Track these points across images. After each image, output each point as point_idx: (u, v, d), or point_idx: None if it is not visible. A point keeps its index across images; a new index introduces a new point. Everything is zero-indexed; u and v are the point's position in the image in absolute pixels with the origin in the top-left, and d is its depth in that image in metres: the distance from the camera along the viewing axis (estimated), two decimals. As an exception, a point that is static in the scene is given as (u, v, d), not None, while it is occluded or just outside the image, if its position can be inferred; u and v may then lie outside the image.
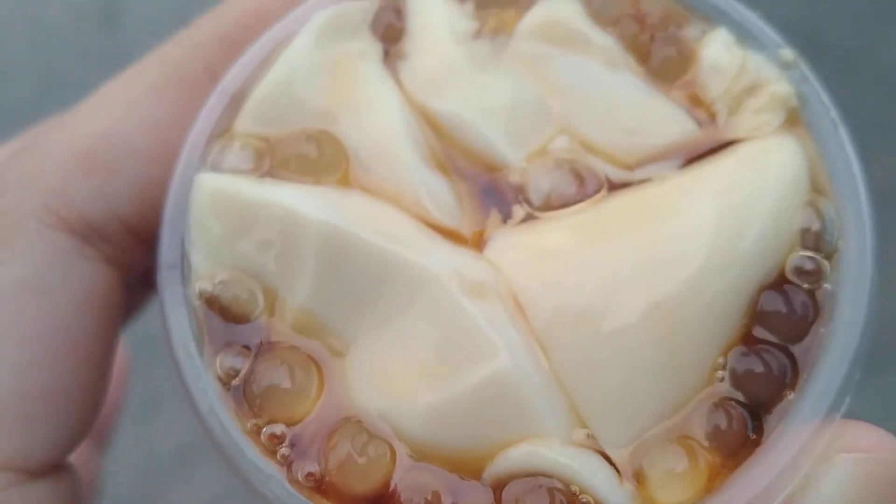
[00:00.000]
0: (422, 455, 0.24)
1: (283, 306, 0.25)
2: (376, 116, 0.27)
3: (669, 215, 0.25)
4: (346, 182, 0.26)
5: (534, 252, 0.25)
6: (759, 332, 0.24)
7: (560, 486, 0.23)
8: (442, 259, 0.25)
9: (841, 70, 1.30)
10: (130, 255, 0.28)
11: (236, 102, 0.27)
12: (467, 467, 0.23)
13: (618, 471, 0.23)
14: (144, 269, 0.28)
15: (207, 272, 0.25)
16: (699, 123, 0.27)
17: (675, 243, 0.24)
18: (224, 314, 0.25)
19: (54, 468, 0.26)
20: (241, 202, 0.25)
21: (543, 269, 0.25)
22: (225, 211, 0.25)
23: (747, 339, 0.24)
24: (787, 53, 0.27)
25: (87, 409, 0.27)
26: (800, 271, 0.24)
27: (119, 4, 1.43)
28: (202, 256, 0.25)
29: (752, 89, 0.27)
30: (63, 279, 0.26)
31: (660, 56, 0.27)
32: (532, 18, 0.28)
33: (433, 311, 0.24)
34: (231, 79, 0.27)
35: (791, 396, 0.23)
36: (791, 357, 0.24)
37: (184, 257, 0.26)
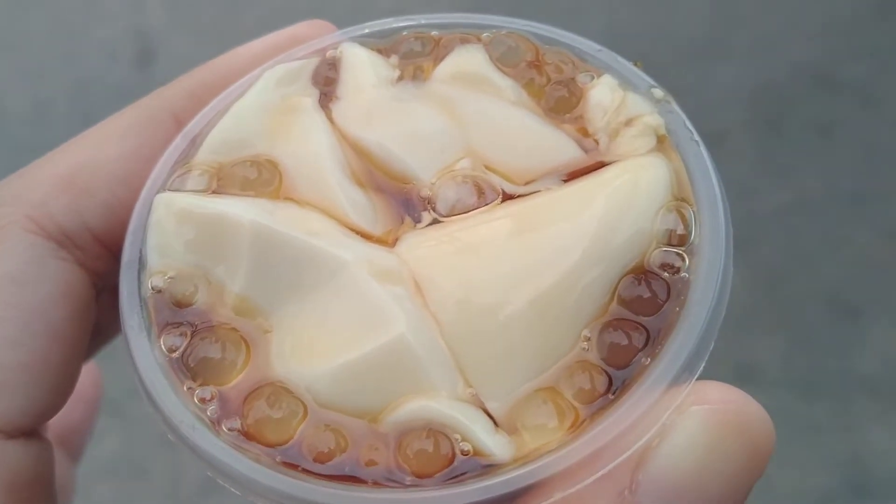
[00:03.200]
0: (331, 411, 0.28)
1: (223, 294, 0.30)
2: (307, 142, 0.32)
3: (556, 218, 0.30)
4: (278, 195, 0.31)
5: (434, 246, 0.30)
6: (619, 311, 0.28)
7: (445, 433, 0.27)
8: (355, 251, 0.30)
9: (858, 106, 1.31)
10: (99, 262, 0.33)
11: (196, 143, 0.33)
12: (369, 420, 0.28)
13: (496, 422, 0.27)
14: (110, 279, 0.33)
15: (160, 269, 0.30)
16: (585, 150, 0.32)
17: (557, 240, 0.29)
18: (172, 302, 0.30)
19: (27, 434, 0.31)
20: (189, 211, 0.31)
21: (441, 259, 0.29)
22: (176, 219, 0.31)
23: (610, 316, 0.28)
24: (658, 92, 0.32)
25: (57, 386, 0.31)
26: (661, 263, 0.29)
27: (154, 46, 1.48)
28: (156, 256, 0.30)
29: (629, 121, 0.32)
30: (40, 274, 0.31)
31: (554, 96, 0.33)
32: (445, 66, 0.34)
33: (345, 292, 0.29)
34: (194, 124, 0.34)
35: (647, 362, 0.27)
36: (646, 330, 0.28)
37: (141, 258, 0.31)
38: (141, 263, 0.31)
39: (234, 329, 0.29)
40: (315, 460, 0.27)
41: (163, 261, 0.30)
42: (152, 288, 0.30)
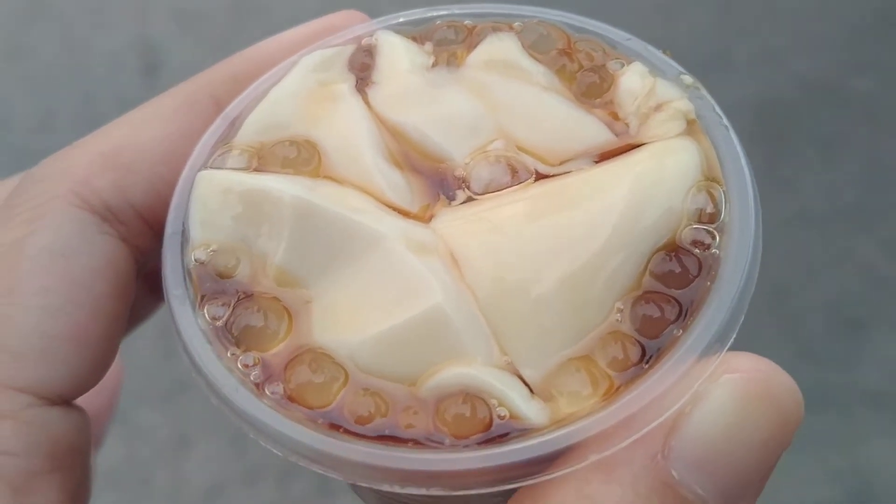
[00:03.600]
0: (371, 377, 0.29)
1: (264, 266, 0.31)
2: (345, 124, 0.33)
3: (585, 197, 0.30)
4: (318, 174, 0.32)
5: (468, 222, 0.31)
6: (652, 284, 0.29)
7: (483, 398, 0.28)
8: (392, 225, 0.30)
9: (862, 120, 1.31)
10: (141, 238, 0.34)
11: (235, 125, 0.34)
12: (408, 385, 0.28)
13: (531, 389, 0.28)
14: (151, 256, 0.34)
15: (203, 242, 0.31)
16: (616, 133, 0.33)
17: (588, 217, 0.30)
18: (215, 274, 0.31)
19: (67, 403, 0.31)
20: (231, 187, 0.32)
21: (476, 233, 0.30)
22: (218, 193, 0.32)
23: (642, 289, 0.29)
24: (688, 79, 0.33)
25: (96, 360, 0.32)
26: (692, 240, 0.30)
27: (160, 57, 1.49)
28: (199, 229, 0.31)
29: (659, 106, 0.33)
30: (85, 247, 0.32)
31: (585, 81, 0.34)
32: (478, 53, 0.35)
33: (383, 264, 0.30)
34: (233, 107, 0.35)
35: (679, 333, 0.28)
36: (678, 303, 0.29)
37: (184, 231, 0.32)
38: (184, 237, 0.32)
39: (275, 299, 0.30)
40: (356, 422, 0.28)
41: (205, 234, 0.31)
42: (196, 260, 0.31)
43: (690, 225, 0.30)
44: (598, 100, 0.33)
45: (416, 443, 0.27)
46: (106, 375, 0.33)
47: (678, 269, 0.29)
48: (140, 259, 0.34)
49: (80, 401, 0.33)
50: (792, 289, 1.15)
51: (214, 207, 0.31)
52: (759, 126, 1.28)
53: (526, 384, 0.28)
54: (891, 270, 1.16)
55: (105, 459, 1.09)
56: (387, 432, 0.28)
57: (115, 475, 1.08)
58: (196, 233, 0.31)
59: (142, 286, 0.35)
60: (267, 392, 0.29)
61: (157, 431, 1.13)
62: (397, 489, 0.27)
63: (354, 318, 0.29)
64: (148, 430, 1.13)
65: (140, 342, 1.03)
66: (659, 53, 0.34)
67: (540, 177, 0.32)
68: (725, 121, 0.32)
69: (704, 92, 0.33)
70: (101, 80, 1.43)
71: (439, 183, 0.32)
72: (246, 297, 0.30)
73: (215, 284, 0.31)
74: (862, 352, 1.11)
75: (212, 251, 0.31)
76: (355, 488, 0.36)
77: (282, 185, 0.31)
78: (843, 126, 1.28)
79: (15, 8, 1.55)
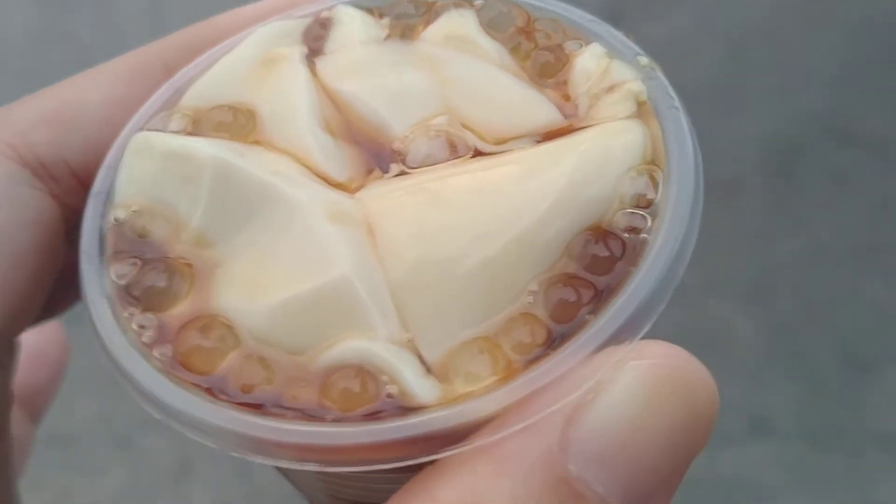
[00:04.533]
0: (265, 345, 0.28)
1: (180, 228, 0.30)
2: (285, 90, 0.32)
3: (520, 176, 0.29)
4: (251, 140, 0.32)
5: (394, 195, 0.30)
6: (571, 267, 0.28)
7: (373, 374, 0.26)
8: (313, 192, 0.29)
9: (872, 157, 1.31)
10: (73, 197, 0.33)
11: (180, 92, 0.34)
12: (303, 357, 0.27)
13: (428, 368, 0.27)
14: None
15: (124, 202, 0.31)
16: (565, 115, 0.31)
17: (518, 196, 0.28)
18: (131, 234, 0.30)
19: None
20: (160, 148, 0.31)
21: (399, 206, 0.29)
22: (146, 155, 0.31)
23: (560, 271, 0.28)
24: (644, 59, 0.32)
25: (13, 314, 0.32)
26: (623, 224, 0.28)
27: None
28: (123, 189, 0.31)
29: (611, 88, 0.31)
30: (14, 199, 0.32)
31: (539, 60, 0.33)
32: (434, 28, 0.34)
33: (296, 231, 0.29)
34: (181, 75, 0.34)
35: (590, 319, 0.26)
36: (596, 288, 0.27)
37: (110, 191, 0.31)
38: (109, 196, 0.31)
39: (184, 261, 0.29)
40: (241, 390, 0.27)
41: (128, 194, 0.31)
42: (115, 219, 0.30)
43: (623, 209, 0.28)
44: (552, 80, 0.32)
45: (300, 415, 0.26)
46: (47, 350, 0.33)
47: (603, 253, 0.28)
48: (71, 219, 0.33)
49: (21, 377, 0.32)
50: (801, 326, 1.15)
51: (140, 168, 0.31)
52: (770, 162, 1.28)
53: (424, 363, 0.27)
54: (902, 310, 1.15)
55: (109, 484, 1.09)
56: (269, 402, 0.27)
57: (118, 499, 1.08)
58: (119, 193, 0.31)
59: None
60: (155, 354, 0.28)
61: (159, 456, 1.12)
62: (270, 462, 0.26)
63: (258, 285, 0.28)
64: (151, 456, 1.13)
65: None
66: (621, 36, 0.33)
67: (478, 154, 0.31)
68: (677, 102, 0.30)
69: (659, 73, 0.32)
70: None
71: (376, 155, 0.31)
72: (156, 258, 0.30)
73: (130, 245, 0.30)
74: (873, 392, 1.10)
75: (133, 212, 0.30)
76: (304, 494, 0.35)
77: (206, 148, 0.30)
78: (855, 163, 1.27)
79: (30, 29, 1.57)
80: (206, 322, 0.28)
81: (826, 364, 1.12)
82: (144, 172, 0.31)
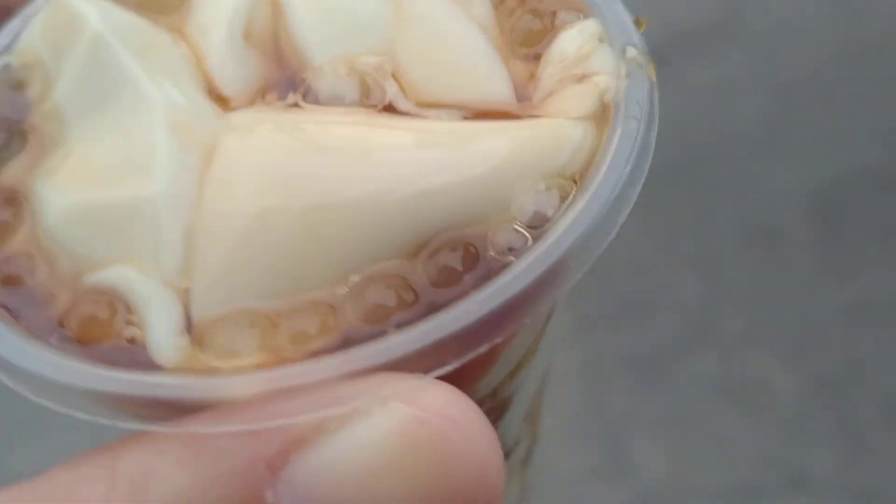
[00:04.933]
0: (51, 242, 0.25)
1: (46, 95, 0.28)
2: None
3: (409, 145, 0.25)
4: (173, 23, 0.28)
5: (263, 126, 0.26)
6: (411, 269, 0.23)
7: (124, 311, 0.23)
8: (174, 95, 0.26)
9: (878, 192, 1.29)
10: None
11: None
12: (74, 270, 0.25)
13: (190, 327, 0.23)
14: None
15: (18, 52, 0.29)
16: (518, 97, 0.26)
17: (391, 169, 0.24)
18: (12, 82, 0.28)
19: None
20: (68, 7, 0.28)
21: (259, 141, 0.25)
22: (55, 12, 0.28)
23: (395, 271, 0.23)
24: (632, 51, 0.26)
25: None
26: (499, 239, 0.23)
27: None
28: (22, 41, 0.29)
29: (581, 77, 0.26)
30: None
31: (520, 26, 0.28)
32: None
33: (133, 132, 0.25)
34: None
35: (391, 332, 0.22)
36: (421, 302, 0.23)
37: (11, 44, 0.29)
38: (9, 49, 0.29)
39: (31, 128, 0.27)
40: (2, 281, 0.25)
41: (23, 47, 0.29)
42: (2, 65, 0.29)
43: (510, 222, 0.23)
44: (527, 50, 0.27)
45: (40, 335, 0.23)
46: None
47: (454, 265, 0.23)
48: None
49: None
50: (846, 382, 1.12)
51: (42, 23, 0.29)
52: (815, 213, 1.26)
53: (189, 319, 0.23)
54: (947, 367, 1.13)
55: None
56: (15, 304, 0.24)
57: None
58: (18, 44, 0.29)
59: None
60: None
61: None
62: None
63: (75, 178, 0.25)
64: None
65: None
66: (629, 19, 0.27)
67: (389, 109, 0.26)
68: (643, 113, 0.25)
69: (644, 72, 0.26)
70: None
71: (285, 79, 0.27)
72: (16, 121, 0.28)
73: (6, 95, 0.28)
74: (915, 450, 1.07)
75: (21, 65, 0.28)
76: None
77: (95, 15, 0.27)
78: (862, 202, 1.26)
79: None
80: (9, 196, 0.26)
81: (868, 422, 1.10)
82: (45, 29, 0.28)
